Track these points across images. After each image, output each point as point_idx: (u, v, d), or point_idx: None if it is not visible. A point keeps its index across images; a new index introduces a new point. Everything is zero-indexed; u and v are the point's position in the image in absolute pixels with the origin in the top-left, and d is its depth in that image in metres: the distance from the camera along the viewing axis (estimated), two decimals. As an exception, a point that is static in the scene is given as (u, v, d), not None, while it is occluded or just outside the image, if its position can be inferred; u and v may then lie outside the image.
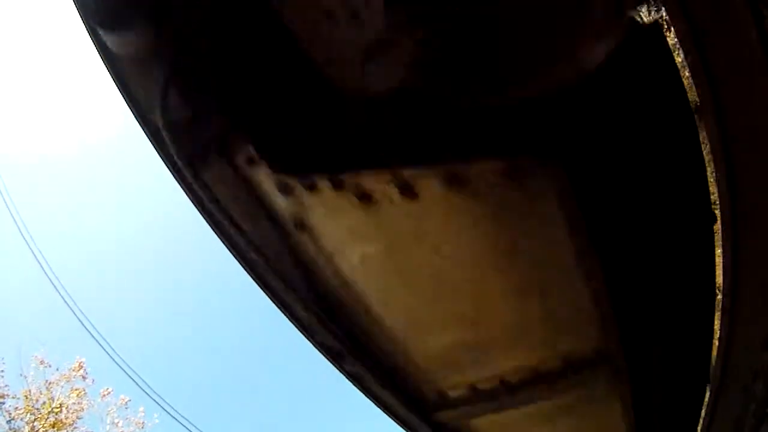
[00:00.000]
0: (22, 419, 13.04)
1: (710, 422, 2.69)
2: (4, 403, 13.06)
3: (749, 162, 1.83)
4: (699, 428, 2.79)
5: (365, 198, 2.30)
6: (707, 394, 2.68)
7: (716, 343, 2.53)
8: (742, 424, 2.13)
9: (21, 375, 13.50)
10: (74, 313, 17.04)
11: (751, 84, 1.58)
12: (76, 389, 14.10)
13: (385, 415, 3.58)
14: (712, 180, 2.49)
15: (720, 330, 2.46)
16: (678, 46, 1.82)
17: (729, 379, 2.43)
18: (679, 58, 2.21)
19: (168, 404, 16.73)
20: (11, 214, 13.64)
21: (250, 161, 2.44)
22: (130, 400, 14.92)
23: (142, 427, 14.71)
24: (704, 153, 2.48)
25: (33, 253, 14.60)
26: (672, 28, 1.72)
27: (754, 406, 2.01)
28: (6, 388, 13.27)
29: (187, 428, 16.43)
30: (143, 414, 14.90)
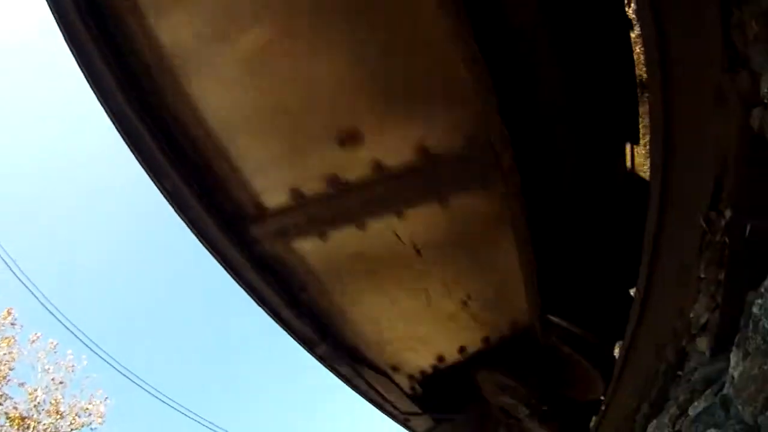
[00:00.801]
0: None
1: (619, 377, 2.93)
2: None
3: (686, 139, 1.86)
4: (609, 383, 3.05)
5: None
6: (618, 350, 2.91)
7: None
8: (651, 383, 2.33)
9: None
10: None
11: (705, 68, 1.57)
12: (6, 338, 13.33)
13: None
14: (644, 153, 2.57)
15: (637, 290, 2.62)
16: (636, 18, 1.79)
17: (642, 339, 2.64)
18: (633, 34, 2.19)
19: (95, 345, 16.16)
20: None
21: None
22: (58, 344, 14.30)
23: (72, 371, 14.19)
24: (641, 126, 2.54)
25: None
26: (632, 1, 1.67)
27: (665, 367, 2.18)
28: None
29: (114, 368, 16.12)
30: (72, 357, 14.35)
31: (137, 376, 16.11)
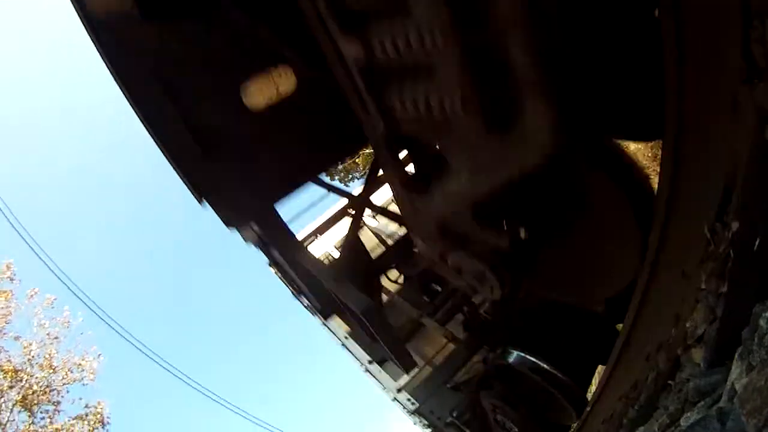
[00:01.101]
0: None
1: (607, 380, 2.95)
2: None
3: (698, 147, 1.84)
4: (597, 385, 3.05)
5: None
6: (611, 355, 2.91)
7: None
8: (640, 388, 2.33)
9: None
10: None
11: (722, 76, 1.55)
12: (3, 292, 13.31)
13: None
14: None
15: (635, 292, 2.61)
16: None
17: (635, 341, 2.64)
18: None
19: (93, 302, 16.23)
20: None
21: None
22: (56, 299, 14.29)
23: (68, 326, 14.19)
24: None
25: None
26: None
27: (655, 374, 2.18)
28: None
29: (110, 326, 16.22)
30: (68, 313, 14.35)
31: (131, 334, 16.15)
